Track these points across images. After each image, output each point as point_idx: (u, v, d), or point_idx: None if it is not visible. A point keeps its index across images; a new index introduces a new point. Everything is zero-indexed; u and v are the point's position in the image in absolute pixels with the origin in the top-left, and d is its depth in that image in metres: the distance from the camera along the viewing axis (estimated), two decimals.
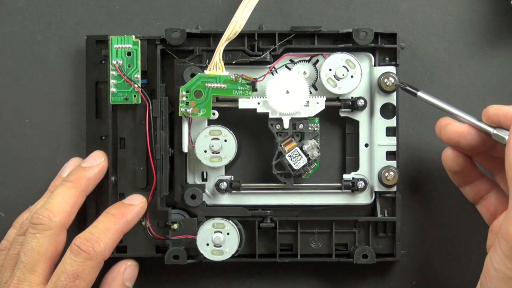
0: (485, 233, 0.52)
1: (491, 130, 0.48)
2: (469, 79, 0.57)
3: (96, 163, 0.53)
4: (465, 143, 0.49)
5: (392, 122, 0.54)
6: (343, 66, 0.53)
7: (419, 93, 0.50)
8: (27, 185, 0.57)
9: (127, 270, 0.53)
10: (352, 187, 0.54)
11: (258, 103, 0.53)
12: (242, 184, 0.54)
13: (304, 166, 0.53)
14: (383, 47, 0.54)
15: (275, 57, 0.54)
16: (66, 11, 0.57)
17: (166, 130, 0.53)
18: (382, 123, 0.54)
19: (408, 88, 0.51)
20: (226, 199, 0.55)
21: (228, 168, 0.55)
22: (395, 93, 0.54)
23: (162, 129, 0.53)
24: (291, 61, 0.55)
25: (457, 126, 0.49)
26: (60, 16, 0.57)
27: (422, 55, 0.56)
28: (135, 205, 0.53)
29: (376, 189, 0.54)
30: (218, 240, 0.53)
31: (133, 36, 0.54)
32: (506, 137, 0.46)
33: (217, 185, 0.54)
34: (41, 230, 0.49)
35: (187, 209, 0.54)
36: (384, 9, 0.57)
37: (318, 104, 0.53)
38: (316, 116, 0.54)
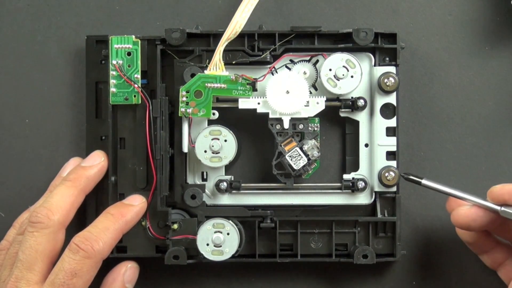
0: None
1: (498, 208, 0.48)
2: (469, 79, 0.57)
3: (96, 162, 0.53)
4: (476, 226, 0.49)
5: (392, 122, 0.54)
6: (343, 66, 0.53)
7: (423, 181, 0.51)
8: (27, 185, 0.57)
9: (127, 271, 0.53)
10: (352, 187, 0.54)
11: (258, 103, 0.53)
12: (242, 184, 0.54)
13: (304, 166, 0.53)
14: (383, 47, 0.54)
15: (275, 57, 0.54)
16: (66, 11, 0.57)
17: (166, 130, 0.53)
18: (382, 123, 0.54)
19: (411, 177, 0.51)
20: (226, 199, 0.55)
21: (228, 168, 0.55)
22: (395, 93, 0.54)
23: (162, 129, 0.53)
24: (291, 61, 0.55)
25: (465, 211, 0.49)
26: (60, 16, 0.57)
27: (422, 55, 0.56)
28: (135, 205, 0.53)
29: (376, 189, 0.54)
30: (218, 240, 0.53)
31: (133, 36, 0.54)
32: None
33: (217, 185, 0.54)
34: (39, 228, 0.49)
35: (187, 209, 0.54)
36: (384, 9, 0.57)
37: (318, 104, 0.53)
38: (316, 116, 0.54)
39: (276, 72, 0.54)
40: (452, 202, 0.51)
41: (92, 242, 0.49)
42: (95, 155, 0.54)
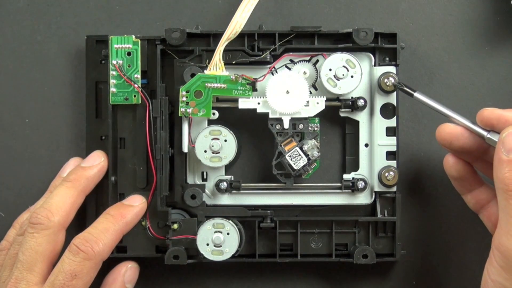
0: (484, 233, 0.52)
1: (484, 133, 0.48)
2: (469, 79, 0.57)
3: (96, 163, 0.53)
4: (458, 145, 0.49)
5: (392, 122, 0.54)
6: (343, 66, 0.53)
7: (416, 94, 0.51)
8: (27, 185, 0.57)
9: (127, 272, 0.53)
10: (352, 187, 0.54)
11: (258, 103, 0.53)
12: (242, 184, 0.54)
13: (304, 166, 0.53)
14: (383, 47, 0.54)
15: (275, 57, 0.54)
16: (66, 11, 0.57)
17: (166, 130, 0.53)
18: (382, 123, 0.54)
19: (405, 88, 0.51)
20: (226, 199, 0.55)
21: (228, 168, 0.55)
22: (395, 93, 0.54)
23: (162, 129, 0.53)
24: (291, 61, 0.55)
25: (450, 127, 0.49)
26: (60, 16, 0.57)
27: (422, 55, 0.56)
28: (134, 206, 0.53)
29: (376, 189, 0.54)
30: (218, 240, 0.53)
31: (133, 36, 0.54)
32: None
33: (217, 185, 0.54)
34: (39, 229, 0.49)
35: (187, 209, 0.54)
36: (384, 9, 0.57)
37: (318, 104, 0.53)
38: (316, 116, 0.54)
39: (276, 72, 0.54)
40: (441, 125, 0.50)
41: (92, 243, 0.49)
42: (95, 155, 0.54)
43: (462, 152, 0.50)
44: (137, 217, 0.53)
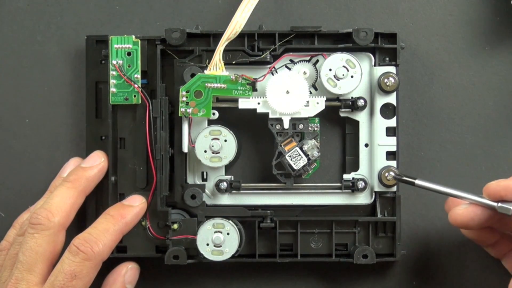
0: None
1: (494, 204, 0.48)
2: (469, 79, 0.57)
3: (96, 163, 0.53)
4: (474, 224, 0.49)
5: (392, 122, 0.54)
6: (343, 66, 0.53)
7: (417, 181, 0.50)
8: (27, 185, 0.57)
9: (128, 272, 0.53)
10: (352, 187, 0.54)
11: (258, 103, 0.53)
12: (242, 184, 0.54)
13: (304, 166, 0.53)
14: (383, 47, 0.54)
15: (275, 57, 0.54)
16: (66, 11, 0.57)
17: (166, 130, 0.53)
18: (382, 123, 0.54)
19: (404, 178, 0.51)
20: (226, 199, 0.55)
21: (228, 168, 0.55)
22: (395, 93, 0.54)
23: (162, 129, 0.53)
24: (291, 61, 0.55)
25: (462, 211, 0.49)
26: (60, 16, 0.57)
27: (422, 55, 0.56)
28: (134, 206, 0.53)
29: (376, 189, 0.54)
30: (218, 240, 0.53)
31: (133, 36, 0.54)
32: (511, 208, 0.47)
33: (217, 185, 0.54)
34: (39, 230, 0.49)
35: (187, 209, 0.54)
36: (384, 9, 0.57)
37: (318, 104, 0.53)
38: (316, 116, 0.54)
39: (276, 72, 0.54)
40: (450, 202, 0.51)
41: (92, 244, 0.49)
42: (95, 155, 0.54)
43: (479, 227, 0.50)
44: (137, 218, 0.53)
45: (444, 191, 0.50)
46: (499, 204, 0.48)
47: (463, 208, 0.49)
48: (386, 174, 0.53)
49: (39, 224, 0.49)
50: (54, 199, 0.51)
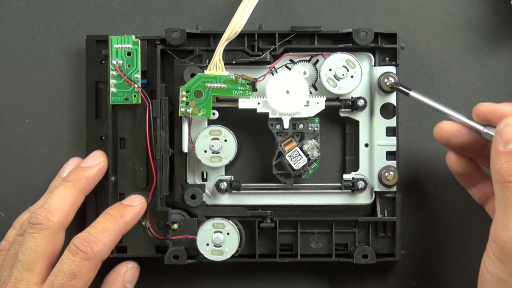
0: (485, 232, 0.52)
1: (481, 128, 0.48)
2: (469, 79, 0.57)
3: (96, 163, 0.53)
4: (456, 142, 0.49)
5: (392, 122, 0.54)
6: (343, 66, 0.53)
7: (411, 93, 0.51)
8: (27, 185, 0.57)
9: (128, 272, 0.53)
10: (352, 187, 0.54)
11: (258, 103, 0.53)
12: (242, 184, 0.54)
13: (304, 166, 0.53)
14: (383, 47, 0.54)
15: (275, 57, 0.54)
16: (66, 11, 0.57)
17: (166, 130, 0.53)
18: (382, 123, 0.54)
19: (400, 88, 0.51)
20: (226, 199, 0.55)
21: (228, 168, 0.55)
22: (395, 93, 0.54)
23: (162, 129, 0.53)
24: (291, 61, 0.55)
25: (447, 125, 0.49)
26: (60, 16, 0.57)
27: (422, 55, 0.56)
28: (134, 206, 0.53)
29: (376, 189, 0.54)
30: (218, 240, 0.53)
31: (133, 36, 0.54)
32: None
33: (217, 185, 0.54)
34: (39, 230, 0.49)
35: (187, 209, 0.54)
36: (384, 9, 0.57)
37: (318, 104, 0.53)
38: (316, 116, 0.54)
39: (276, 72, 0.54)
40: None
41: (91, 243, 0.49)
42: (94, 155, 0.54)
43: (461, 149, 0.50)
44: (136, 217, 0.53)
45: (435, 106, 0.50)
46: (485, 130, 0.47)
47: (450, 123, 0.49)
48: (386, 174, 0.53)
49: (39, 224, 0.49)
50: (53, 198, 0.51)
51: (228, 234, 0.53)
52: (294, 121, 0.53)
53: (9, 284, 0.48)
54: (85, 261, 0.48)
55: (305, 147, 0.53)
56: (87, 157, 0.54)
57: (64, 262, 0.48)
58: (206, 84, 0.53)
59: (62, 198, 0.51)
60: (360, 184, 0.54)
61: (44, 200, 0.52)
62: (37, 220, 0.49)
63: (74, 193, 0.51)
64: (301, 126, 0.53)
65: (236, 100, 0.53)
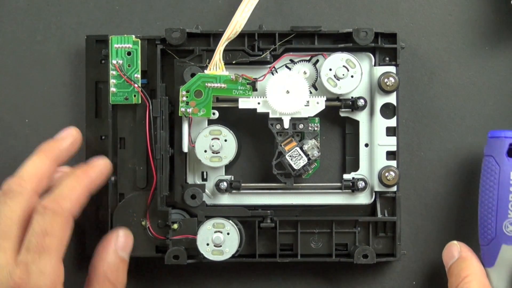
0: None
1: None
2: (469, 79, 0.57)
3: (69, 134, 0.52)
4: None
5: (392, 122, 0.54)
6: (343, 66, 0.53)
7: None
8: None
9: (119, 238, 0.52)
10: (352, 187, 0.54)
11: (258, 103, 0.53)
12: (242, 184, 0.54)
13: (304, 166, 0.53)
14: (383, 47, 0.54)
15: (275, 57, 0.54)
16: (66, 11, 0.57)
17: (166, 130, 0.53)
18: (382, 123, 0.54)
19: None
20: (226, 199, 0.55)
21: (228, 168, 0.55)
22: (395, 93, 0.54)
23: (162, 129, 0.53)
24: (291, 61, 0.55)
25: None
26: (60, 16, 0.57)
27: (422, 55, 0.56)
28: (97, 163, 0.52)
29: (376, 189, 0.54)
30: (218, 240, 0.53)
31: (133, 36, 0.54)
32: None
33: (217, 185, 0.54)
34: (12, 196, 0.48)
35: (187, 209, 0.54)
36: (384, 9, 0.57)
37: (318, 104, 0.53)
38: (316, 116, 0.54)
39: (276, 72, 0.54)
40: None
41: (59, 200, 0.48)
42: (67, 129, 0.53)
43: None
44: (101, 174, 0.52)
45: None
46: None
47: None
48: (386, 174, 0.53)
49: (11, 191, 0.48)
50: (25, 167, 0.49)
51: (228, 234, 0.53)
52: (294, 121, 0.53)
53: None
54: (54, 217, 0.47)
55: (305, 147, 0.53)
56: (60, 132, 0.53)
57: (34, 224, 0.47)
58: (206, 84, 0.53)
59: (33, 166, 0.49)
60: (360, 184, 0.54)
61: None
62: (9, 187, 0.48)
63: (46, 161, 0.50)
64: (301, 126, 0.53)
65: (236, 100, 0.53)
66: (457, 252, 0.53)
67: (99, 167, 0.52)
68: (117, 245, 0.52)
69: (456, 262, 0.52)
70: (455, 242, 0.54)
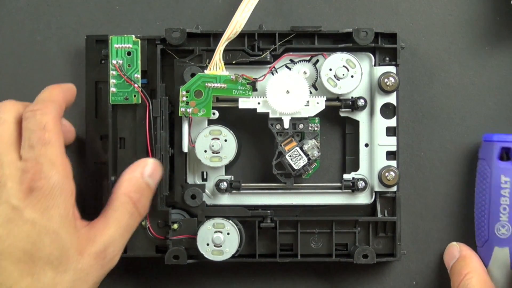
0: None
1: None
2: (469, 79, 0.57)
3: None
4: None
5: (392, 122, 0.54)
6: (343, 66, 0.53)
7: None
8: None
9: (147, 165, 0.51)
10: (352, 187, 0.54)
11: (258, 103, 0.53)
12: (242, 184, 0.54)
13: (304, 166, 0.53)
14: (383, 47, 0.54)
15: (275, 57, 0.54)
16: (66, 11, 0.57)
17: (166, 130, 0.53)
18: (382, 123, 0.54)
19: None
20: (226, 199, 0.55)
21: (228, 168, 0.55)
22: (395, 93, 0.54)
23: (162, 129, 0.53)
24: (291, 61, 0.55)
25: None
26: (60, 16, 0.57)
27: (422, 55, 0.56)
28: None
29: (376, 189, 0.54)
30: (218, 240, 0.53)
31: (133, 36, 0.54)
32: None
33: (217, 185, 0.54)
34: (2, 111, 0.47)
35: (187, 209, 0.54)
36: (384, 9, 0.57)
37: (318, 104, 0.53)
38: (316, 116, 0.54)
39: (276, 72, 0.54)
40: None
41: (43, 103, 0.47)
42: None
43: None
44: (71, 87, 0.52)
45: None
46: None
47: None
48: (386, 174, 0.53)
49: (38, 109, 0.47)
50: (41, 96, 0.49)
51: (228, 234, 0.53)
52: (294, 121, 0.53)
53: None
54: (44, 116, 0.46)
55: (305, 147, 0.53)
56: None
57: (29, 125, 0.46)
58: (206, 84, 0.53)
59: (49, 93, 0.49)
60: (360, 184, 0.54)
61: None
62: (34, 107, 0.47)
63: (60, 92, 0.50)
64: (301, 126, 0.53)
65: (236, 100, 0.53)
66: (457, 252, 0.54)
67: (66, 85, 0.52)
68: (145, 171, 0.50)
69: (457, 261, 0.53)
70: (454, 243, 0.55)
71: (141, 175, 0.50)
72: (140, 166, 0.51)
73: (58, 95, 0.50)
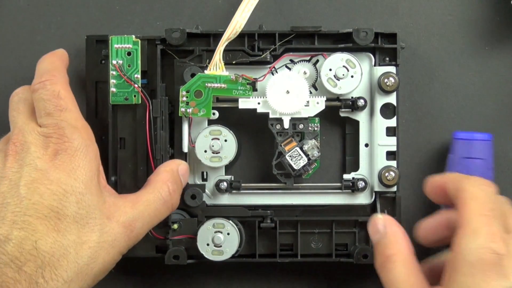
0: None
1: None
2: (469, 79, 0.57)
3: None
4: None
5: (392, 122, 0.54)
6: (343, 66, 0.53)
7: None
8: None
9: (181, 165, 0.52)
10: (352, 187, 0.54)
11: (258, 103, 0.53)
12: (242, 184, 0.54)
13: (304, 166, 0.53)
14: (383, 47, 0.54)
15: (275, 57, 0.54)
16: (66, 11, 0.57)
17: (166, 130, 0.53)
18: (382, 123, 0.54)
19: None
20: (226, 199, 0.55)
21: (228, 168, 0.55)
22: (395, 93, 0.54)
23: (162, 129, 0.53)
24: (291, 61, 0.55)
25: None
26: (60, 16, 0.57)
27: (422, 55, 0.56)
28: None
29: (376, 189, 0.54)
30: (218, 240, 0.53)
31: (133, 36, 0.54)
32: None
33: (217, 185, 0.54)
34: (48, 85, 0.48)
35: (187, 209, 0.54)
36: (384, 9, 0.57)
37: (318, 104, 0.53)
38: (316, 116, 0.54)
39: (276, 72, 0.54)
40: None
41: (49, 73, 0.49)
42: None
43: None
44: (65, 54, 0.53)
45: None
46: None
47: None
48: (386, 174, 0.53)
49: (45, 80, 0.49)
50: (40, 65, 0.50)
51: (228, 234, 0.53)
52: (294, 121, 0.53)
53: (14, 136, 0.47)
54: (54, 85, 0.47)
55: (305, 147, 0.53)
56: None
57: (41, 95, 0.47)
58: (206, 84, 0.53)
59: (50, 63, 0.50)
60: (360, 184, 0.54)
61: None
62: (42, 78, 0.49)
63: (58, 59, 0.51)
64: (301, 126, 0.53)
65: (236, 100, 0.53)
66: (382, 226, 0.47)
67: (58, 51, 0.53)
68: (180, 168, 0.52)
69: (381, 238, 0.47)
70: (379, 215, 0.49)
71: (176, 170, 0.51)
72: (176, 163, 0.52)
73: (59, 62, 0.51)
